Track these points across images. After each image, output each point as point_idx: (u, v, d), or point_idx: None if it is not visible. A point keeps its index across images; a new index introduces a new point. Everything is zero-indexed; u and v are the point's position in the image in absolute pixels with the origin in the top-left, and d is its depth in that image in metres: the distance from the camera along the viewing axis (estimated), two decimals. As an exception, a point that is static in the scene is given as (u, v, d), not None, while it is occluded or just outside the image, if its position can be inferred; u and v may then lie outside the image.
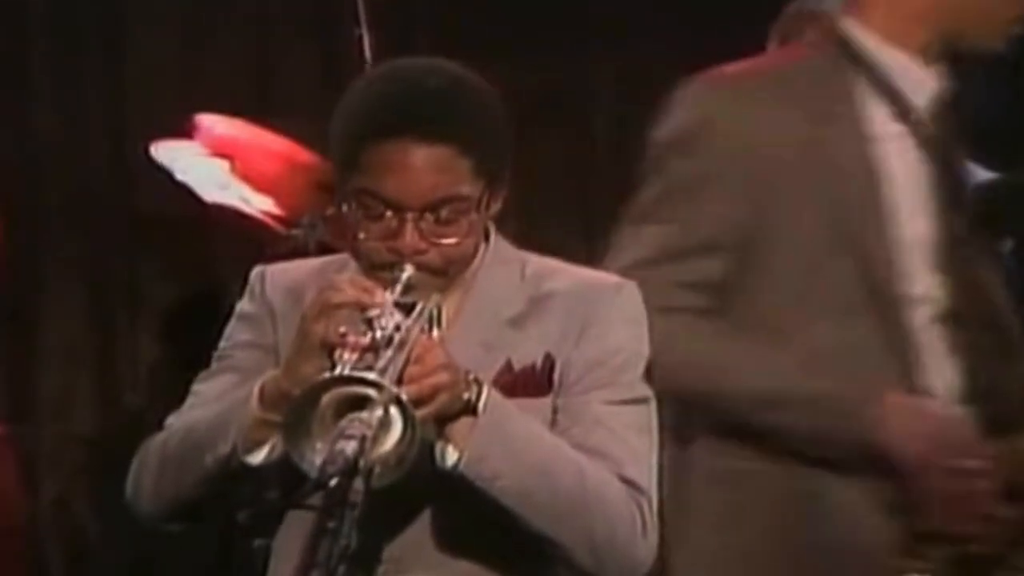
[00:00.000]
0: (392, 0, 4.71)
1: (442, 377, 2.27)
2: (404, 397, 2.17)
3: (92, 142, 5.14)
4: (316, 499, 2.44)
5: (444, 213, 2.39)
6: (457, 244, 2.42)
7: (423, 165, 2.37)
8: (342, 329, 2.26)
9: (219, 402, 2.45)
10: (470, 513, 2.38)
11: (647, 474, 2.45)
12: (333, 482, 2.12)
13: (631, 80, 5.19)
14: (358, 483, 2.14)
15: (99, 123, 5.15)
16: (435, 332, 2.40)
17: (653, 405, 2.51)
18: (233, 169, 4.30)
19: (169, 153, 4.37)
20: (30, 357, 5.18)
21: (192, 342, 4.99)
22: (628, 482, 2.42)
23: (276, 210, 4.31)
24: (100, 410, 5.18)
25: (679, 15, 5.22)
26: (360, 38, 4.35)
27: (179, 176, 4.33)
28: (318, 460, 2.18)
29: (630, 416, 2.47)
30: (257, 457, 2.36)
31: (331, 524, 2.11)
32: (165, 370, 5.04)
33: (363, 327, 2.27)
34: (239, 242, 4.67)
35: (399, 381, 2.22)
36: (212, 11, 5.11)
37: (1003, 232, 3.63)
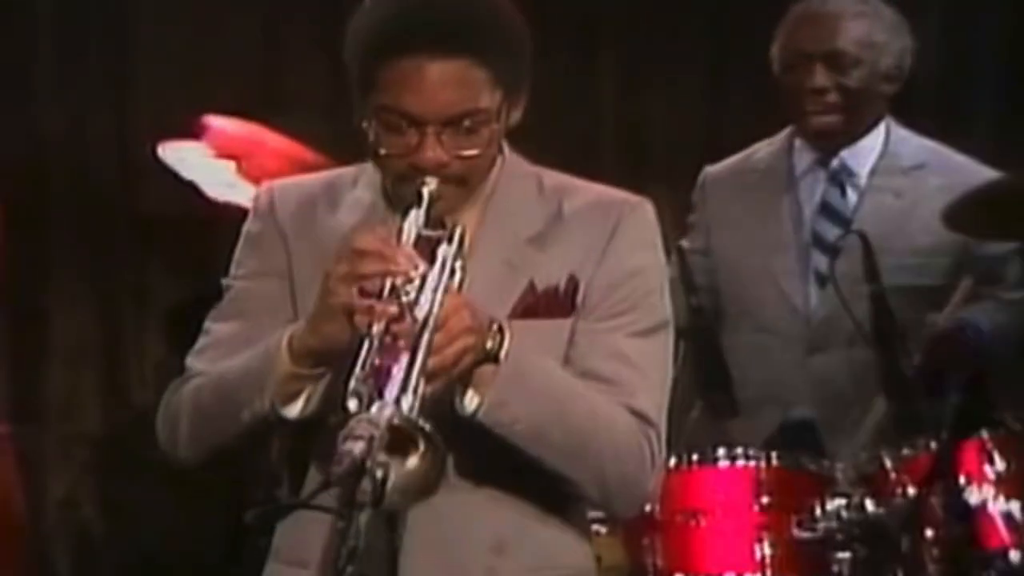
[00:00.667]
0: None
1: (467, 341, 2.29)
2: (431, 431, 2.18)
3: (98, 142, 5.14)
4: (324, 499, 2.46)
5: (464, 125, 2.40)
6: (479, 155, 2.43)
7: (440, 79, 2.37)
8: (367, 299, 2.26)
9: (247, 349, 2.44)
10: (488, 456, 2.40)
11: (658, 406, 2.48)
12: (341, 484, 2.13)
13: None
14: (366, 483, 2.14)
15: (105, 123, 5.14)
16: (459, 263, 2.38)
17: (671, 328, 2.52)
18: (240, 169, 4.30)
19: (176, 154, 4.37)
20: (37, 356, 5.18)
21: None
22: (638, 414, 2.44)
23: (283, 210, 4.30)
24: (107, 409, 5.18)
25: (684, 14, 5.22)
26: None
27: (186, 176, 4.33)
28: None
29: (648, 346, 2.49)
30: (294, 410, 2.38)
31: (339, 525, 2.11)
32: (172, 369, 5.01)
33: (387, 288, 2.27)
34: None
35: (427, 356, 2.23)
36: (218, 11, 5.11)
37: (1006, 233, 3.64)
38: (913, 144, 3.95)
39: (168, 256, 5.19)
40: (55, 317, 5.18)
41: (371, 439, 2.14)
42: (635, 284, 2.48)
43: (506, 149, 2.54)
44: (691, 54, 5.24)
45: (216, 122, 4.35)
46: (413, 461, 2.20)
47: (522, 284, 2.46)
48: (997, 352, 3.85)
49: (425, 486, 2.21)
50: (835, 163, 3.92)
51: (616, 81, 5.22)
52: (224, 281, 2.61)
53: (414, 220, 2.38)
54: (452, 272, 2.37)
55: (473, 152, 2.42)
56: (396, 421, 2.17)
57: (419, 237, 2.37)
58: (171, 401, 2.54)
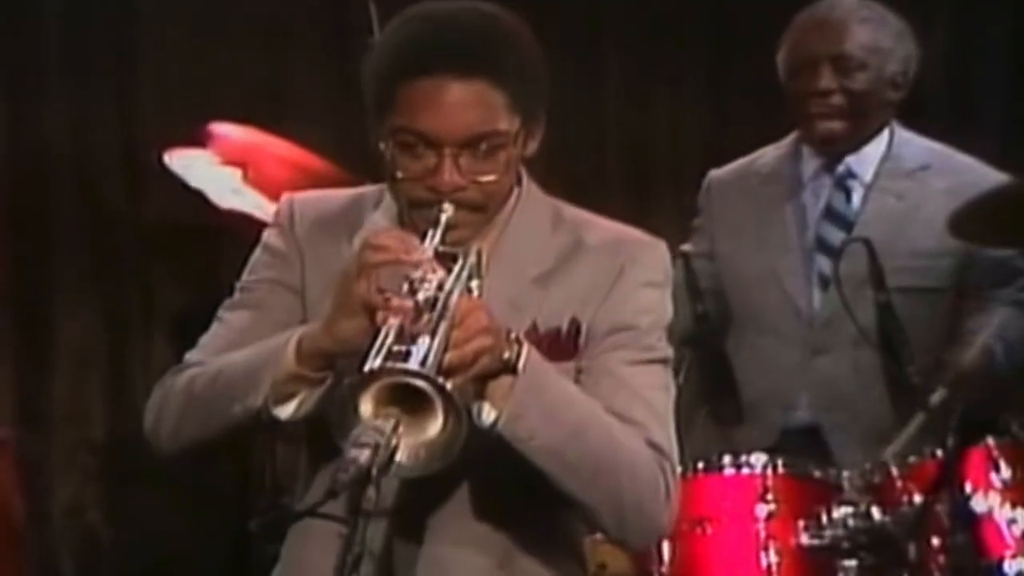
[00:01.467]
0: (404, 6, 4.71)
1: (484, 341, 2.28)
2: (451, 388, 2.17)
3: (105, 149, 5.14)
4: (330, 507, 2.46)
5: (481, 149, 2.40)
6: (496, 180, 2.42)
7: (458, 100, 2.37)
8: (385, 294, 2.26)
9: (250, 346, 2.44)
10: (503, 480, 2.40)
11: (671, 437, 2.48)
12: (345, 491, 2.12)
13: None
14: (371, 491, 2.14)
15: (112, 130, 5.15)
16: (475, 282, 2.39)
17: (671, 364, 2.53)
18: (246, 177, 4.30)
19: (182, 161, 4.37)
20: (43, 363, 5.18)
21: (205, 348, 5.01)
22: (654, 446, 2.44)
23: (289, 218, 4.30)
24: (113, 416, 5.18)
25: (686, 23, 5.23)
26: (372, 46, 4.34)
27: (192, 184, 4.33)
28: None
29: (653, 376, 2.49)
30: (286, 411, 2.37)
31: (345, 532, 2.11)
32: (177, 376, 5.03)
33: (405, 286, 2.26)
34: (251, 249, 4.67)
35: (444, 347, 2.22)
36: (224, 19, 5.11)
37: (1011, 240, 3.64)
38: (917, 146, 3.95)
39: (174, 263, 5.19)
40: (61, 323, 5.18)
41: (377, 446, 2.14)
42: (639, 323, 2.48)
43: (525, 180, 2.54)
44: (693, 62, 5.24)
45: (222, 129, 4.36)
46: (432, 428, 2.18)
47: (525, 323, 2.45)
48: (1016, 361, 3.85)
49: (444, 453, 2.19)
50: (841, 169, 3.93)
51: (619, 89, 5.23)
52: (238, 284, 2.60)
53: (430, 239, 2.38)
54: (470, 278, 2.38)
55: (490, 177, 2.41)
56: (418, 381, 2.15)
57: (436, 252, 2.36)
58: (163, 389, 2.54)
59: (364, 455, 2.12)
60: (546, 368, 2.38)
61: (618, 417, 2.42)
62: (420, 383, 2.17)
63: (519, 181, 2.53)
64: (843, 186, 3.93)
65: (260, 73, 5.14)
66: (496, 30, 2.43)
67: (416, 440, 2.20)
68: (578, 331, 2.47)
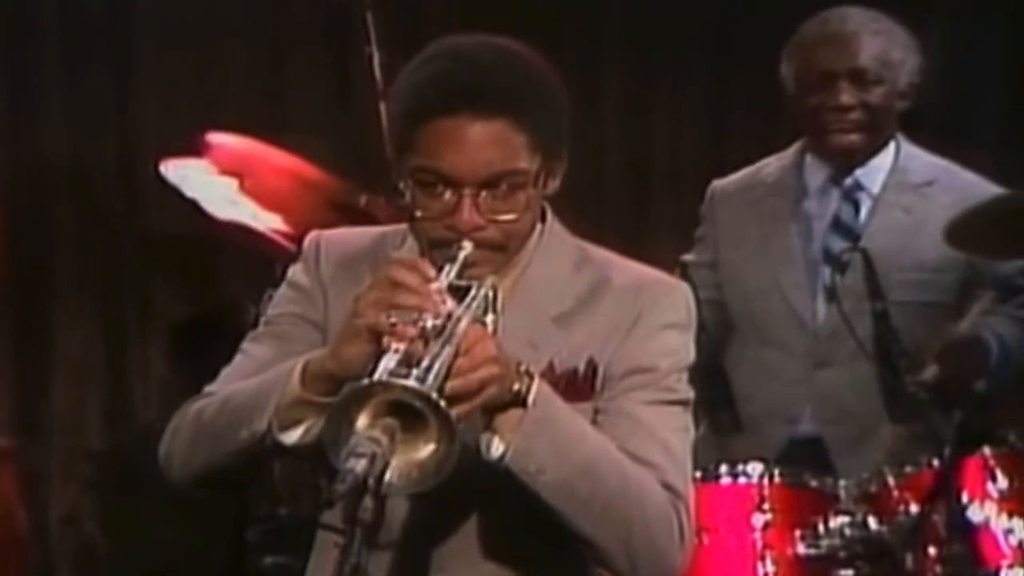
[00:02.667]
0: (402, 18, 4.72)
1: (491, 370, 2.26)
2: (444, 406, 2.15)
3: (103, 159, 5.15)
4: (327, 517, 2.46)
5: (502, 189, 2.39)
6: (516, 220, 2.41)
7: (478, 140, 2.36)
8: (392, 318, 2.25)
9: (261, 373, 2.43)
10: (513, 518, 2.38)
11: (687, 480, 2.45)
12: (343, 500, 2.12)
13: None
14: (368, 501, 2.13)
15: (110, 140, 5.15)
16: (489, 317, 2.38)
17: (691, 407, 2.51)
18: (242, 187, 4.30)
19: (178, 171, 4.36)
20: (41, 373, 5.18)
21: (202, 358, 5.00)
22: (669, 487, 2.41)
23: (285, 228, 4.31)
24: (110, 426, 5.18)
25: (686, 34, 5.23)
26: (370, 56, 4.35)
27: (188, 194, 4.33)
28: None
29: (671, 418, 2.47)
30: (291, 437, 2.35)
31: (341, 542, 2.11)
32: (175, 386, 5.04)
33: (415, 314, 2.25)
34: (248, 259, 4.67)
35: (447, 374, 2.20)
36: (222, 29, 5.12)
37: (1007, 251, 3.64)
38: (923, 161, 3.95)
39: (172, 273, 5.20)
40: (59, 333, 5.18)
41: (373, 456, 2.13)
42: (659, 366, 2.46)
43: (549, 218, 2.53)
44: (692, 74, 5.25)
45: (219, 139, 4.35)
46: (426, 448, 2.18)
47: (542, 364, 2.43)
48: (1011, 367, 3.85)
49: (436, 472, 2.18)
50: (849, 181, 3.93)
51: (619, 100, 5.23)
52: (262, 317, 2.60)
53: (446, 273, 2.36)
54: (485, 312, 2.36)
55: (510, 217, 2.40)
56: (404, 397, 2.15)
57: (449, 286, 2.34)
58: (176, 419, 2.52)
59: (361, 465, 2.11)
60: (557, 403, 2.36)
61: (634, 458, 2.39)
62: (415, 401, 2.16)
63: (543, 218, 2.52)
64: (852, 198, 3.93)
65: (258, 83, 5.15)
66: (517, 69, 2.42)
67: (409, 459, 2.19)
68: (595, 372, 2.45)
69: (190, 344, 5.10)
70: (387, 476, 2.17)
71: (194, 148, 4.36)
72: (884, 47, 3.84)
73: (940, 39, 4.94)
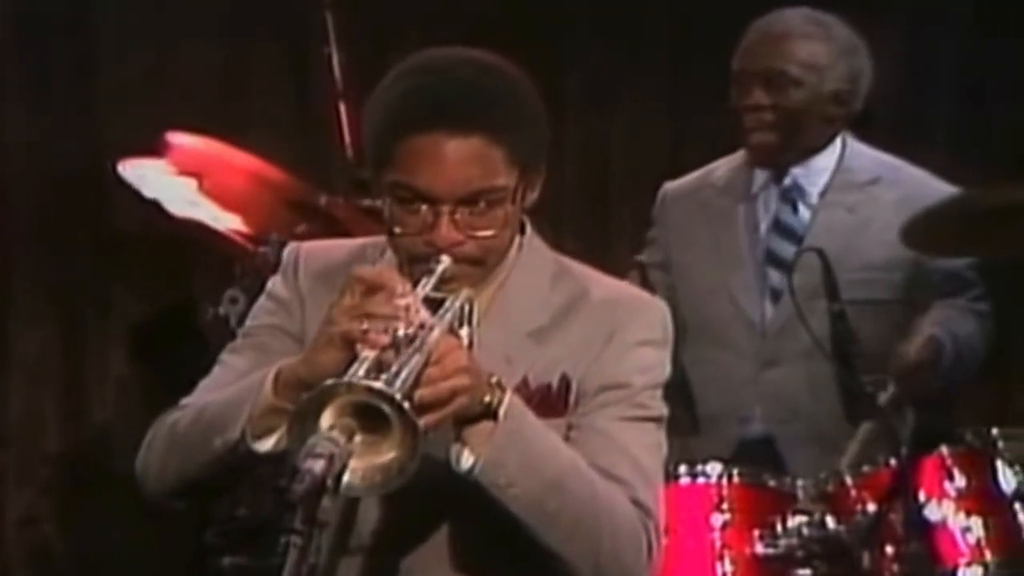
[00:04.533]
0: (361, 18, 4.72)
1: (461, 381, 2.26)
2: (408, 408, 2.15)
3: (63, 159, 5.12)
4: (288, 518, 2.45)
5: (480, 205, 2.38)
6: (494, 236, 2.41)
7: (456, 157, 2.36)
8: (364, 325, 2.25)
9: (237, 382, 2.42)
10: (482, 530, 2.38)
11: (657, 497, 2.45)
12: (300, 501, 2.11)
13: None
14: (326, 501, 2.13)
15: (70, 140, 5.13)
16: (464, 330, 2.38)
17: (665, 423, 2.51)
18: (201, 187, 4.29)
19: (136, 171, 4.35)
20: (-1, 374, 5.16)
21: (162, 359, 5.00)
22: (638, 504, 2.41)
23: (245, 228, 4.30)
24: (68, 428, 5.16)
25: (646, 35, 5.24)
26: (329, 56, 4.35)
27: (147, 194, 4.31)
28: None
29: (643, 434, 2.46)
30: (265, 445, 2.35)
31: (299, 543, 2.10)
32: (134, 387, 5.02)
33: (387, 322, 2.25)
34: (208, 260, 4.66)
35: (415, 382, 2.20)
36: (182, 29, 5.10)
37: (963, 250, 3.66)
38: (868, 159, 3.97)
39: (131, 274, 5.18)
40: (17, 333, 5.16)
41: (331, 457, 2.13)
42: (632, 383, 2.46)
43: (528, 231, 2.53)
44: (652, 74, 5.26)
45: (178, 139, 4.34)
46: (389, 451, 2.18)
47: (516, 379, 2.43)
48: (966, 364, 3.86)
49: (398, 475, 2.18)
50: (787, 181, 3.95)
51: (578, 100, 5.24)
52: (240, 329, 2.59)
53: (423, 285, 2.36)
54: (460, 325, 2.37)
55: (489, 233, 2.40)
56: (368, 398, 2.14)
57: (425, 298, 2.34)
58: (152, 430, 2.52)
59: (319, 465, 2.10)
60: (529, 417, 2.36)
61: (604, 474, 2.40)
62: (379, 403, 2.16)
63: (522, 230, 2.52)
64: (789, 198, 3.95)
65: (217, 83, 5.14)
66: (494, 84, 2.41)
67: (372, 461, 2.19)
68: (568, 387, 2.45)
69: (149, 345, 5.09)
70: (349, 477, 2.17)
71: (153, 148, 4.34)
72: (811, 50, 3.86)
73: (897, 39, 4.97)
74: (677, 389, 3.80)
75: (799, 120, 3.88)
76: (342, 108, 4.31)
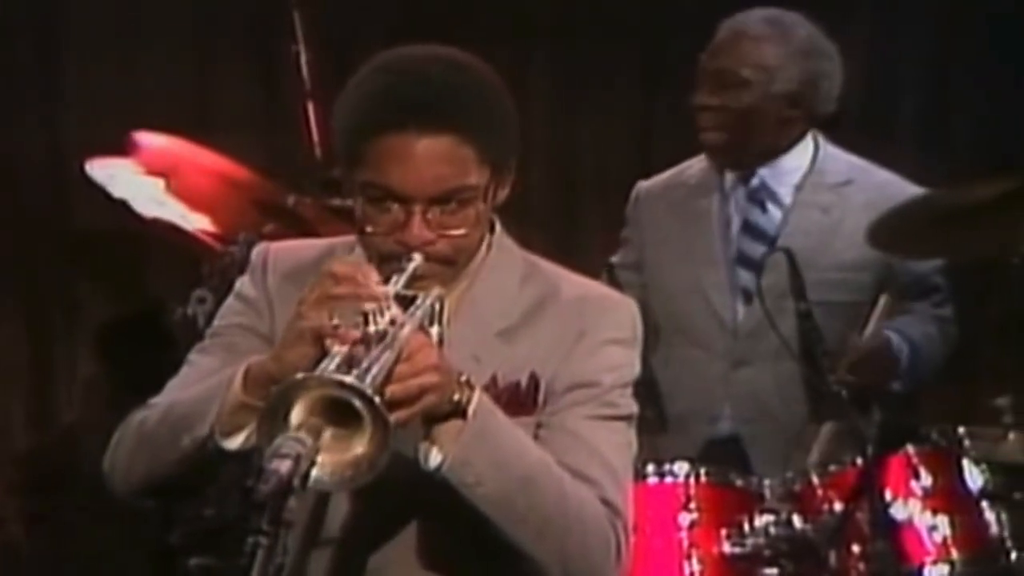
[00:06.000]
0: (328, 16, 4.71)
1: (431, 378, 2.26)
2: (378, 402, 2.15)
3: (29, 159, 5.11)
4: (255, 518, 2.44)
5: (451, 204, 2.38)
6: (465, 235, 2.41)
7: (427, 156, 2.36)
8: (335, 320, 2.24)
9: (205, 381, 2.41)
10: (451, 528, 2.38)
11: (627, 496, 2.45)
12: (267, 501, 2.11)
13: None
14: (292, 501, 2.13)
15: (36, 140, 5.11)
16: (434, 328, 2.38)
17: (635, 422, 2.50)
18: (169, 187, 4.28)
19: (104, 171, 4.34)
20: (-35, 374, 5.14)
21: (129, 359, 4.99)
22: (607, 504, 2.41)
23: (213, 228, 4.29)
24: (35, 428, 5.14)
25: (616, 34, 5.25)
26: (297, 55, 4.34)
27: (116, 194, 4.30)
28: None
29: (612, 433, 2.46)
30: (234, 442, 2.34)
31: (266, 543, 2.10)
32: (102, 387, 5.01)
33: (358, 319, 2.25)
34: (175, 259, 4.65)
35: (386, 378, 2.20)
36: (151, 28, 5.09)
37: (928, 250, 3.68)
38: (841, 161, 3.98)
39: (99, 273, 5.16)
40: (-17, 334, 5.14)
41: (298, 457, 2.12)
42: (602, 382, 2.46)
43: (497, 230, 2.53)
44: (622, 72, 5.26)
45: (145, 139, 4.33)
46: (359, 445, 2.17)
47: (485, 378, 2.43)
48: (924, 366, 3.88)
49: (368, 470, 2.17)
50: (754, 181, 3.96)
51: (547, 99, 5.24)
52: (208, 329, 2.58)
53: (393, 283, 2.36)
54: (431, 323, 2.36)
55: (460, 231, 2.40)
56: (338, 392, 2.14)
57: (396, 295, 2.34)
58: (120, 428, 2.50)
59: (285, 466, 2.09)
60: (498, 416, 2.36)
61: (573, 473, 2.39)
62: (349, 397, 2.15)
63: (491, 229, 2.52)
64: (756, 199, 3.96)
65: (185, 82, 5.12)
66: (465, 82, 2.40)
67: (342, 457, 2.19)
68: (537, 387, 2.45)
69: (117, 345, 5.08)
70: (319, 473, 2.16)
71: (121, 148, 4.33)
72: (763, 52, 3.87)
73: (863, 40, 4.98)
74: (646, 388, 3.83)
75: (750, 120, 3.89)
76: (310, 107, 4.31)
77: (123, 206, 4.32)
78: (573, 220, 5.25)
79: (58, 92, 5.12)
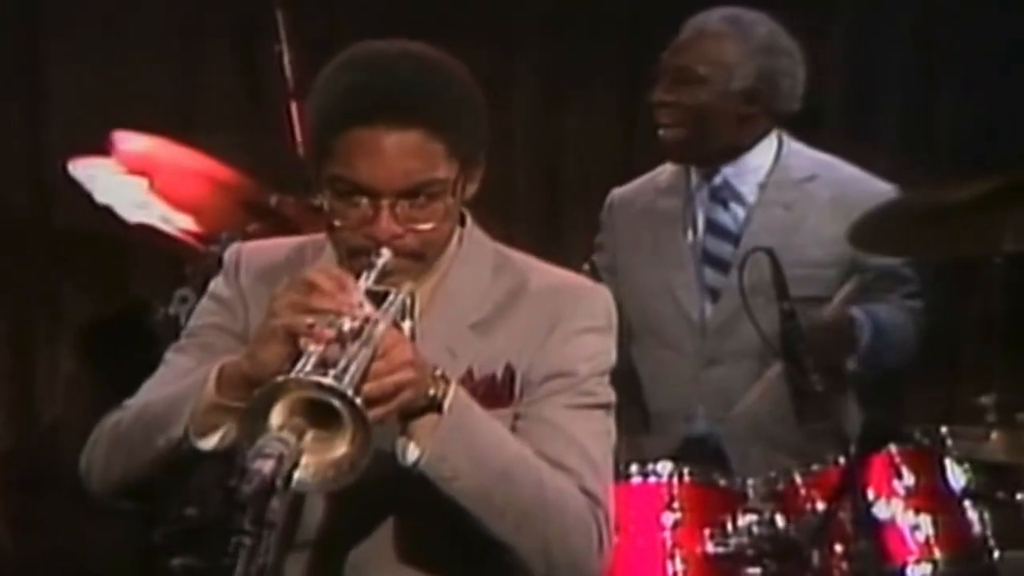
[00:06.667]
0: (311, 15, 4.70)
1: (407, 374, 2.26)
2: (359, 403, 2.15)
3: (11, 158, 5.10)
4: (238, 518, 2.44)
5: (420, 198, 2.39)
6: (434, 229, 2.41)
7: (395, 150, 2.36)
8: (309, 319, 2.24)
9: (180, 380, 2.42)
10: (430, 523, 2.38)
11: (607, 485, 2.46)
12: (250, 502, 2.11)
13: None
14: (275, 502, 2.13)
15: (18, 139, 5.10)
16: (406, 323, 2.39)
17: (613, 410, 2.51)
18: (152, 187, 4.28)
19: (86, 170, 4.33)
20: (-53, 374, 5.13)
21: (111, 359, 4.98)
22: (587, 493, 2.42)
23: (196, 228, 4.29)
24: (17, 426, 5.13)
25: (598, 35, 5.25)
26: (279, 54, 4.34)
27: (98, 197, 4.29)
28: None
29: (590, 422, 2.47)
30: (208, 443, 2.34)
31: (249, 543, 2.10)
32: (84, 387, 5.00)
33: (332, 317, 2.25)
34: (158, 259, 4.64)
35: (363, 377, 2.20)
36: (132, 27, 5.08)
37: (907, 250, 3.68)
38: (804, 157, 3.99)
39: (81, 273, 5.15)
40: (-35, 334, 5.13)
41: (281, 457, 2.13)
42: (578, 370, 2.46)
43: (468, 223, 2.53)
44: (604, 75, 5.27)
45: (128, 139, 4.32)
46: (341, 446, 2.18)
47: (461, 371, 2.43)
48: (888, 351, 3.88)
49: (350, 470, 2.18)
50: (717, 180, 3.97)
51: (529, 102, 5.24)
52: (184, 331, 2.58)
53: (364, 279, 2.36)
54: (402, 318, 2.37)
55: (429, 226, 2.40)
56: (319, 394, 2.14)
57: (367, 292, 2.34)
58: (96, 430, 2.51)
59: (268, 466, 2.10)
60: (474, 409, 2.36)
61: (552, 463, 2.40)
62: (330, 398, 2.15)
63: (462, 222, 2.53)
64: (719, 198, 3.97)
65: (167, 82, 5.12)
66: (433, 77, 2.41)
67: (324, 458, 2.19)
68: (513, 378, 2.46)
69: (99, 345, 5.07)
70: (301, 475, 2.17)
71: (103, 148, 4.32)
72: (720, 49, 3.88)
73: (844, 40, 4.99)
74: (628, 386, 3.83)
75: (706, 117, 3.90)
76: (293, 106, 4.30)
77: (107, 211, 4.31)
78: (557, 219, 5.25)
79: (41, 92, 5.11)
